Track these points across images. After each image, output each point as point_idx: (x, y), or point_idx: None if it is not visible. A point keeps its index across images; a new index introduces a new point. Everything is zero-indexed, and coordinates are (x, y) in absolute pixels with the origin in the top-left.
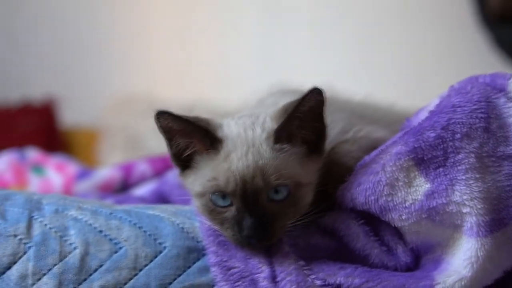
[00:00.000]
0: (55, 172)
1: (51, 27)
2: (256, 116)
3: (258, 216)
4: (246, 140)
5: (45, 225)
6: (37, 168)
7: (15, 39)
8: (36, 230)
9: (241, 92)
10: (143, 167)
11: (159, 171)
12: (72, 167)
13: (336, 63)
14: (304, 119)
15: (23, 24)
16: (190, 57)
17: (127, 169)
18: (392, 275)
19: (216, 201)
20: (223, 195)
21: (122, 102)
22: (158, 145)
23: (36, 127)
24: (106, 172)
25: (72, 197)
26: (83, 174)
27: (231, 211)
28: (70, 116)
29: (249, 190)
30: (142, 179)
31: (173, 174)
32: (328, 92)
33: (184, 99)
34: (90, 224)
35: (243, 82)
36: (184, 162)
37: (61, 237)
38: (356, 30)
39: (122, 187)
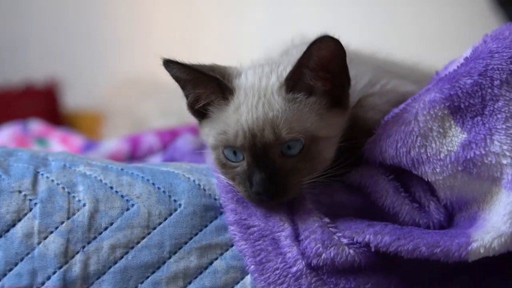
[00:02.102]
0: (59, 144)
1: (54, 8)
2: (277, 63)
3: (268, 171)
4: (258, 90)
5: (52, 181)
6: (41, 140)
7: (17, 20)
8: (42, 186)
9: None
10: (151, 140)
11: (167, 144)
12: (77, 139)
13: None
14: (317, 69)
15: (25, 5)
16: (194, 37)
17: (135, 141)
18: (425, 232)
19: (228, 155)
20: (233, 149)
21: (126, 84)
22: (163, 127)
23: (38, 110)
24: (113, 144)
25: (80, 155)
26: (88, 147)
27: (242, 166)
28: (73, 99)
29: (259, 144)
30: (150, 152)
31: (183, 141)
32: (351, 46)
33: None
34: (100, 180)
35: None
36: (200, 112)
37: (69, 193)
38: None
39: (129, 160)
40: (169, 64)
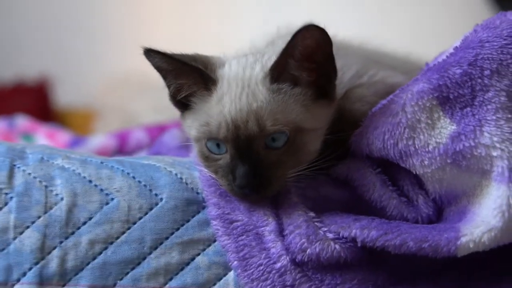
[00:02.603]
0: (45, 140)
1: (45, 4)
2: (262, 54)
3: (252, 164)
4: (242, 80)
5: (29, 174)
6: (27, 136)
7: (8, 17)
8: (19, 179)
9: None
10: (139, 135)
11: (156, 139)
12: (63, 135)
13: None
14: (302, 59)
15: (16, 2)
16: (188, 35)
17: (122, 137)
18: (412, 227)
19: (210, 147)
20: (216, 141)
21: (118, 81)
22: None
23: (29, 107)
24: (100, 140)
25: (59, 148)
26: (75, 142)
27: (225, 159)
28: (64, 96)
29: (242, 136)
30: (138, 148)
31: (170, 136)
32: (338, 36)
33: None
34: (79, 174)
35: None
36: (183, 103)
37: (46, 187)
38: None
39: (116, 156)
40: (150, 53)
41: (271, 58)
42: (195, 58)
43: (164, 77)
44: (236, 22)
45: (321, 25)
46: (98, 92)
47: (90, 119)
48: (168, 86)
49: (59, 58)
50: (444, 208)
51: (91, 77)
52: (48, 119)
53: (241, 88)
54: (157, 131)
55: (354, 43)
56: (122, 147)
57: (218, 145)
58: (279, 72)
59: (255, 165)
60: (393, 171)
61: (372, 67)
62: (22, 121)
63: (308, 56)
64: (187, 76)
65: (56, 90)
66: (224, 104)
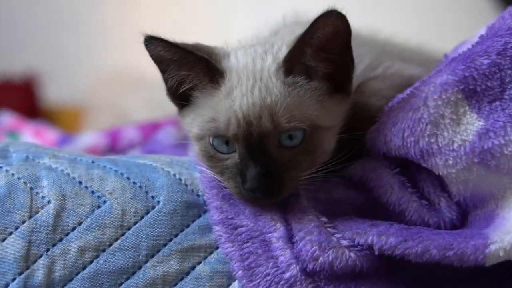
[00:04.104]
0: (32, 138)
1: None
2: (271, 44)
3: (264, 165)
4: (253, 73)
5: (12, 174)
6: (12, 134)
7: None
8: (1, 180)
9: None
10: (131, 133)
11: (149, 137)
12: (51, 133)
13: None
14: (320, 48)
15: None
16: (182, 30)
17: (114, 135)
18: (435, 233)
19: (216, 146)
20: (225, 139)
21: (110, 77)
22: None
23: (16, 105)
24: (90, 138)
25: (46, 146)
26: (64, 140)
27: (234, 159)
28: (53, 93)
29: (255, 133)
30: (130, 146)
31: (165, 134)
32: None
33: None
34: (68, 174)
35: None
36: (182, 98)
37: (31, 189)
38: None
39: (108, 155)
40: (152, 41)
41: (281, 48)
42: (199, 47)
43: (164, 69)
44: (233, 14)
45: (343, 12)
46: (88, 88)
47: (79, 116)
48: (166, 80)
49: (47, 53)
50: (469, 212)
51: (80, 73)
52: (36, 117)
53: (253, 81)
54: (150, 129)
55: (364, 33)
56: (113, 146)
57: (225, 143)
58: (294, 63)
59: (267, 166)
60: (412, 171)
61: (385, 58)
62: (8, 118)
63: (326, 46)
64: (191, 67)
65: (44, 87)
66: (235, 98)
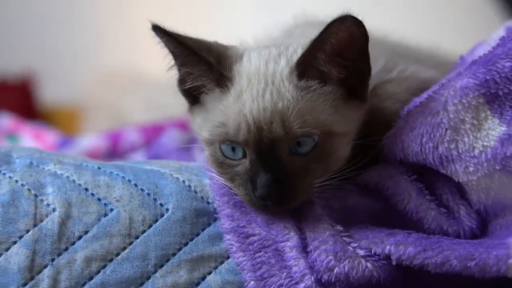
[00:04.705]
0: (32, 140)
1: None
2: (286, 46)
3: (276, 172)
4: (265, 76)
5: (16, 181)
6: (11, 136)
7: None
8: (4, 187)
9: None
10: (133, 136)
11: (151, 140)
12: (51, 136)
13: None
14: (334, 54)
15: None
16: (179, 28)
17: (115, 137)
18: (455, 242)
19: (226, 152)
20: (235, 145)
21: (108, 77)
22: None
23: (13, 106)
24: (91, 140)
25: (50, 151)
26: (64, 143)
27: (244, 165)
28: (50, 94)
29: (265, 139)
30: (132, 149)
31: (169, 137)
32: None
33: (174, 74)
34: (73, 181)
35: None
36: (192, 94)
37: (35, 196)
38: None
39: (108, 158)
40: (157, 31)
41: (296, 51)
42: (211, 47)
43: (174, 58)
44: (234, 12)
45: (359, 17)
46: (86, 89)
47: (77, 117)
48: (178, 69)
49: (44, 52)
50: (490, 221)
51: (78, 73)
52: (32, 118)
53: (264, 84)
54: (152, 131)
55: (376, 35)
56: (114, 148)
57: (233, 149)
58: (306, 67)
59: (279, 173)
60: (430, 178)
61: (400, 61)
62: (6, 120)
63: (340, 51)
64: (195, 65)
65: (41, 87)
66: (245, 103)
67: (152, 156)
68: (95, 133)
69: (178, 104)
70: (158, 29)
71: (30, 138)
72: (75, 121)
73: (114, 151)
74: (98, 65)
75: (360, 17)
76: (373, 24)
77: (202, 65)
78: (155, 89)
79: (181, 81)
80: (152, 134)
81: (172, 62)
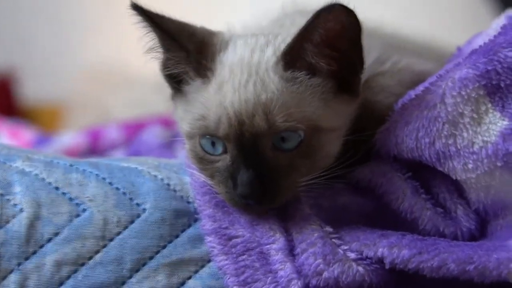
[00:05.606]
0: (8, 138)
1: None
2: (275, 35)
3: (258, 169)
4: (249, 66)
5: None
6: None
7: None
8: None
9: None
10: (113, 133)
11: (133, 137)
12: (28, 133)
13: None
14: (322, 44)
15: None
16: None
17: (94, 135)
18: (453, 244)
19: (206, 146)
20: (215, 139)
21: (93, 74)
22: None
23: None
24: (69, 138)
25: (20, 148)
26: (41, 141)
27: (225, 161)
28: (32, 90)
29: (247, 133)
30: (113, 147)
31: (151, 134)
32: None
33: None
34: (43, 179)
35: None
36: (174, 80)
37: (1, 195)
38: None
39: (88, 156)
40: (136, 11)
41: (285, 40)
42: (194, 33)
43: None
44: (228, 10)
45: (350, 6)
46: (69, 85)
47: (60, 115)
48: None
49: (26, 47)
50: (489, 221)
51: (61, 69)
52: (13, 116)
53: (247, 74)
54: (133, 128)
55: (369, 26)
56: (94, 146)
57: (213, 144)
58: (293, 57)
59: (261, 170)
60: (426, 175)
61: (393, 52)
62: None
63: (329, 42)
64: (174, 51)
65: (22, 84)
66: (226, 94)
67: (133, 154)
68: (75, 130)
69: (163, 101)
70: (136, 8)
71: (7, 136)
72: (59, 118)
73: (94, 149)
74: (83, 62)
75: (351, 6)
76: (368, 15)
77: (180, 52)
78: (141, 86)
79: (163, 66)
80: (133, 131)
81: (155, 43)
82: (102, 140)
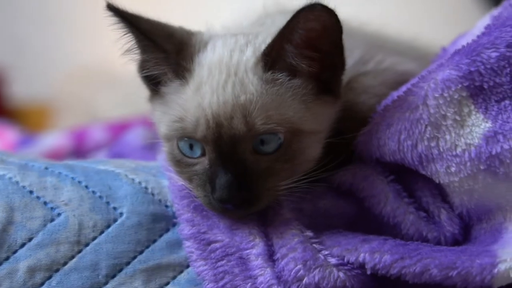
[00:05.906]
0: None
1: None
2: (255, 35)
3: (236, 173)
4: (228, 66)
5: None
6: None
7: None
8: None
9: None
10: (98, 134)
11: (118, 139)
12: (11, 133)
13: None
14: (303, 45)
15: None
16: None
17: (79, 136)
18: (436, 250)
19: (184, 149)
20: (193, 142)
21: (79, 73)
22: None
23: None
24: (54, 139)
25: None
26: (24, 142)
27: (203, 164)
28: (19, 89)
29: (226, 136)
30: (98, 148)
31: (134, 135)
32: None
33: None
34: (16, 182)
35: None
36: (152, 81)
37: None
38: None
39: (73, 157)
40: (111, 11)
41: (266, 40)
42: (173, 33)
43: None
44: (215, 6)
45: (330, 6)
46: (57, 84)
47: (47, 114)
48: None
49: (14, 47)
50: (473, 226)
51: (50, 68)
52: (0, 116)
53: (226, 75)
54: (119, 129)
55: (353, 24)
56: (78, 147)
57: (191, 146)
58: (273, 58)
59: (240, 174)
60: (409, 179)
61: (377, 52)
62: None
63: (310, 43)
64: (151, 52)
65: (8, 83)
66: (204, 95)
67: (115, 155)
68: (59, 131)
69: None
70: (112, 9)
71: None
72: (46, 118)
73: (78, 149)
74: (70, 60)
75: (331, 5)
76: (350, 14)
77: (158, 53)
78: (129, 85)
79: (141, 67)
80: (119, 131)
81: (133, 45)
82: (86, 141)
